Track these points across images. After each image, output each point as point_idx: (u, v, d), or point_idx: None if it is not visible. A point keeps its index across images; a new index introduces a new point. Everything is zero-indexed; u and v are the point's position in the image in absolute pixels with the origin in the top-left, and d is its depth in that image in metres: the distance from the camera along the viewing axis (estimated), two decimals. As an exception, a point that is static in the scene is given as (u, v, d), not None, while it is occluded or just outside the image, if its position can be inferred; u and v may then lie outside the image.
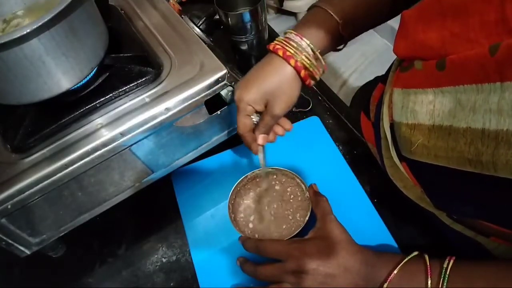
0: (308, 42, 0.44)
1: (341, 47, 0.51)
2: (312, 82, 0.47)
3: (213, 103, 0.48)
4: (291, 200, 0.51)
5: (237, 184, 0.52)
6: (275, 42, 0.45)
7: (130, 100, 0.45)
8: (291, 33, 0.45)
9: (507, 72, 0.25)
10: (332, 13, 0.45)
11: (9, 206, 0.40)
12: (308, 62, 0.44)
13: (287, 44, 0.44)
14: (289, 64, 0.44)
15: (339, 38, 0.47)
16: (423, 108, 0.33)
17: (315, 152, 0.59)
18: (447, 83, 0.30)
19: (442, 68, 0.31)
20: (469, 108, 0.28)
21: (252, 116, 0.47)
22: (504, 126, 0.26)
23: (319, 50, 0.44)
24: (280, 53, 0.44)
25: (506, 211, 0.31)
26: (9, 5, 0.48)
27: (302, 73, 0.44)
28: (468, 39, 0.29)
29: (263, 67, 0.46)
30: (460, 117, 0.29)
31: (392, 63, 0.47)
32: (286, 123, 0.51)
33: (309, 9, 0.49)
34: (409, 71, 0.37)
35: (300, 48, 0.44)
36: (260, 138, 0.48)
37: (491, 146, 0.27)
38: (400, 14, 0.37)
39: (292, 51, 0.44)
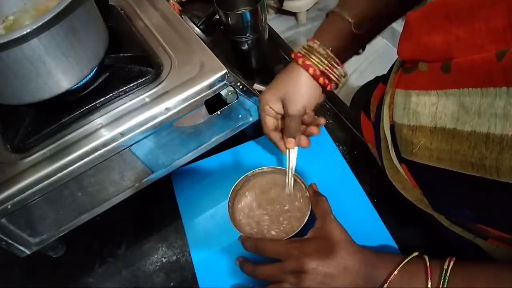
0: (318, 42, 0.47)
1: (361, 50, 0.52)
2: (333, 86, 0.49)
3: (213, 103, 0.48)
4: (291, 200, 0.51)
5: (237, 184, 0.51)
6: (298, 50, 0.49)
7: (130, 100, 0.45)
8: (314, 42, 0.48)
9: None
10: (342, 14, 0.47)
11: (9, 206, 0.40)
12: (322, 63, 0.46)
13: (308, 52, 0.47)
14: (308, 72, 0.47)
15: (354, 38, 0.48)
16: (426, 110, 0.33)
17: (315, 152, 0.59)
18: (452, 86, 0.30)
19: (447, 70, 0.31)
20: (474, 112, 0.28)
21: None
22: (509, 131, 0.26)
23: (330, 48, 0.46)
24: (300, 62, 0.47)
25: (505, 216, 0.31)
26: (9, 5, 0.48)
27: (321, 80, 0.47)
28: (474, 44, 0.29)
29: (287, 72, 0.50)
30: (464, 120, 0.29)
31: (393, 63, 0.47)
32: (320, 119, 0.53)
33: (327, 15, 0.51)
34: (412, 73, 0.36)
35: (311, 49, 0.47)
36: (287, 142, 0.50)
37: (495, 151, 0.27)
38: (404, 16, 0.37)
39: (312, 60, 0.46)
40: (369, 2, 0.48)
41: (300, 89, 0.48)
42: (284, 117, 0.51)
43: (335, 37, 0.48)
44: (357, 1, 0.48)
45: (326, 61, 0.46)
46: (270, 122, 0.51)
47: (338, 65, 0.47)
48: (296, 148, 0.50)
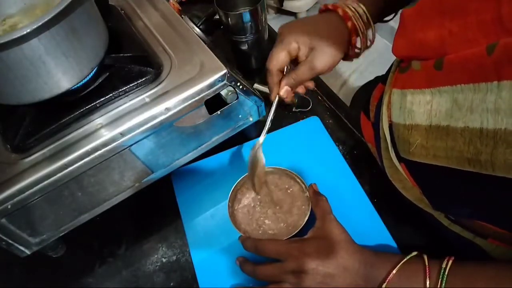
0: (364, 8, 0.44)
1: (390, 17, 0.50)
2: (355, 56, 0.47)
3: (213, 103, 0.48)
4: (291, 200, 0.51)
5: (237, 184, 0.52)
6: (334, 4, 0.45)
7: (130, 100, 0.45)
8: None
9: (504, 71, 0.25)
10: None
11: (9, 206, 0.40)
12: (362, 28, 0.44)
13: (347, 6, 0.44)
14: (347, 24, 0.44)
15: (385, 7, 0.47)
16: (421, 108, 0.33)
17: (315, 152, 0.59)
18: (445, 83, 0.30)
19: (440, 67, 0.31)
20: (466, 108, 0.28)
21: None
22: (501, 125, 0.26)
23: (365, 8, 0.45)
24: (340, 12, 0.44)
25: (503, 211, 0.31)
26: (9, 5, 0.48)
27: (354, 39, 0.44)
28: (466, 38, 0.29)
29: (319, 18, 0.45)
30: (457, 117, 0.29)
31: (392, 63, 0.47)
32: (310, 82, 0.48)
33: None
34: (407, 72, 0.37)
35: (357, 13, 0.44)
36: (284, 90, 0.45)
37: (489, 145, 0.27)
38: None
39: (351, 14, 0.44)
40: None
41: (336, 41, 0.43)
42: (295, 63, 0.46)
43: (375, 5, 0.46)
44: None
45: (361, 19, 0.44)
46: (283, 60, 0.44)
47: (373, 36, 0.46)
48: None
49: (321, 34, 0.43)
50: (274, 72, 0.45)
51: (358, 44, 0.47)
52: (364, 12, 0.44)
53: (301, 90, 0.48)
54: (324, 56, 0.43)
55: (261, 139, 0.48)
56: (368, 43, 0.47)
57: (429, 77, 0.32)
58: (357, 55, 0.47)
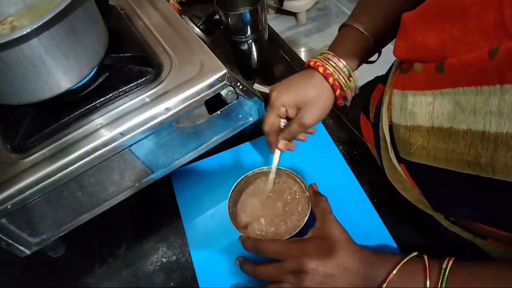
0: (344, 63, 0.47)
1: (374, 58, 0.52)
2: (342, 103, 0.49)
3: (213, 103, 0.48)
4: (291, 200, 0.51)
5: (237, 184, 0.52)
6: (315, 59, 0.48)
7: (130, 100, 0.45)
8: (328, 53, 0.48)
9: (507, 75, 0.25)
10: (363, 31, 0.48)
11: (9, 206, 0.40)
12: (344, 82, 0.47)
13: (327, 63, 0.47)
14: (327, 81, 0.46)
15: (370, 52, 0.49)
16: (422, 109, 0.33)
17: (315, 152, 0.59)
18: (447, 85, 0.30)
19: (441, 70, 0.31)
20: (469, 110, 0.28)
21: (281, 121, 0.50)
22: (504, 128, 0.26)
23: (354, 71, 0.47)
24: (321, 70, 0.47)
25: (503, 213, 0.31)
26: (9, 5, 0.48)
27: (338, 92, 0.47)
28: (467, 42, 0.29)
29: (304, 77, 0.49)
30: (460, 119, 0.29)
31: (392, 64, 0.47)
32: (311, 129, 0.54)
33: (340, 28, 0.51)
34: (408, 73, 0.37)
35: (338, 68, 0.47)
36: (282, 143, 0.50)
37: (490, 149, 0.27)
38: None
39: (331, 70, 0.46)
40: (381, 12, 0.48)
41: (321, 99, 0.47)
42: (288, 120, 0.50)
43: (357, 57, 0.48)
44: (370, 14, 0.49)
45: (348, 82, 0.47)
46: (275, 123, 0.50)
47: (355, 88, 0.48)
48: None
49: (306, 94, 0.47)
50: (270, 133, 0.50)
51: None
52: (345, 66, 0.47)
53: (302, 137, 0.53)
54: (311, 113, 0.47)
55: (269, 187, 0.53)
56: (353, 92, 0.49)
57: (431, 79, 0.32)
58: (346, 101, 0.50)
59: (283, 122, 0.50)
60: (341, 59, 0.47)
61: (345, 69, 0.47)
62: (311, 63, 0.48)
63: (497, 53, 0.25)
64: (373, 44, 0.48)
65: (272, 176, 0.52)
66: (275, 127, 0.50)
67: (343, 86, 0.47)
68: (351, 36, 0.49)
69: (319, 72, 0.47)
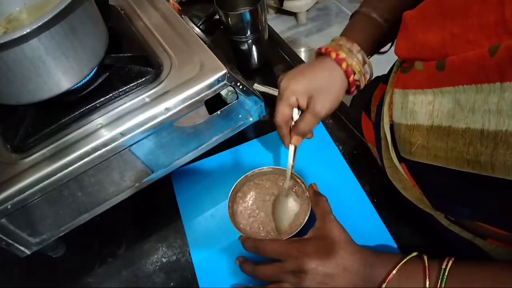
0: (359, 48, 0.45)
1: (386, 48, 0.50)
2: (355, 92, 0.47)
3: (213, 103, 0.48)
4: (291, 200, 0.51)
5: (237, 184, 0.52)
6: (327, 46, 0.46)
7: (130, 100, 0.45)
8: (341, 38, 0.46)
9: (507, 72, 0.25)
10: (376, 17, 0.46)
11: (9, 206, 0.40)
12: (358, 68, 0.45)
13: (340, 48, 0.45)
14: (341, 67, 0.44)
15: (383, 40, 0.48)
16: (423, 108, 0.33)
17: (315, 152, 0.59)
18: (447, 84, 0.30)
19: (442, 68, 0.31)
20: (469, 109, 0.28)
21: (294, 113, 0.47)
22: (503, 126, 0.26)
23: (368, 56, 0.45)
24: (333, 55, 0.44)
25: (503, 212, 0.31)
26: (9, 5, 0.48)
27: (351, 78, 0.45)
28: (467, 40, 0.29)
29: (314, 64, 0.46)
30: (459, 118, 0.29)
31: (394, 63, 0.47)
32: (309, 134, 0.50)
33: (352, 16, 0.49)
34: (409, 72, 0.37)
35: (351, 54, 0.44)
36: (295, 139, 0.47)
37: (489, 147, 0.27)
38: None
39: (345, 55, 0.44)
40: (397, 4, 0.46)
41: (333, 86, 0.44)
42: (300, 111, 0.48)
43: (371, 44, 0.46)
44: (383, 0, 0.47)
45: (362, 68, 0.45)
46: (286, 113, 0.46)
47: (370, 74, 0.47)
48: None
49: (317, 81, 0.45)
50: (281, 125, 0.47)
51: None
52: (359, 51, 0.45)
53: (309, 135, 0.50)
54: (323, 101, 0.44)
55: (286, 184, 0.50)
56: (368, 79, 0.47)
57: (431, 77, 0.32)
58: (359, 89, 0.48)
59: (296, 114, 0.47)
60: (354, 44, 0.45)
61: (359, 54, 0.44)
62: (322, 50, 0.46)
63: (497, 51, 0.25)
64: (387, 30, 0.46)
65: (289, 172, 0.50)
66: (286, 118, 0.47)
67: (357, 72, 0.45)
68: (364, 22, 0.47)
69: (331, 58, 0.44)
